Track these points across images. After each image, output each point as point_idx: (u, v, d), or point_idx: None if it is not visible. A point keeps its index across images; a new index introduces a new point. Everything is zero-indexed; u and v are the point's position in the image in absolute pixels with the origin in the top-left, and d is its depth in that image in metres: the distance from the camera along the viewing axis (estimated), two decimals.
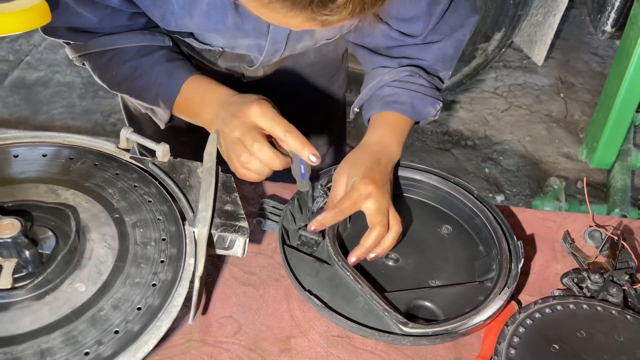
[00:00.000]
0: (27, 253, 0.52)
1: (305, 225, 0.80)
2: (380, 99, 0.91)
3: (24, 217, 0.54)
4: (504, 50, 2.55)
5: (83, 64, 0.89)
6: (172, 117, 0.87)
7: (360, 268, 0.78)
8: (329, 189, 0.84)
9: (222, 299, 0.76)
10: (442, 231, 0.87)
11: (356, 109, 0.97)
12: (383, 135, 0.88)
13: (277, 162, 0.72)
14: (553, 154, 2.66)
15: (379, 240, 0.76)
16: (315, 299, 0.71)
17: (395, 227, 0.77)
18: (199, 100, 0.80)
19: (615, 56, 2.28)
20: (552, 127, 2.82)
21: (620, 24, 2.35)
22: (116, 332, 0.51)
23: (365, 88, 0.94)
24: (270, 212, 0.82)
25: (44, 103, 2.75)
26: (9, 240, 0.51)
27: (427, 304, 0.75)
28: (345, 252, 0.78)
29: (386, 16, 0.85)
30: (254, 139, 0.70)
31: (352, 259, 0.75)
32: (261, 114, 0.72)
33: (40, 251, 0.53)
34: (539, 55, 2.58)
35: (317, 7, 0.51)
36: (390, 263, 0.81)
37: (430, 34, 0.89)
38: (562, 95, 3.05)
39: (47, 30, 0.84)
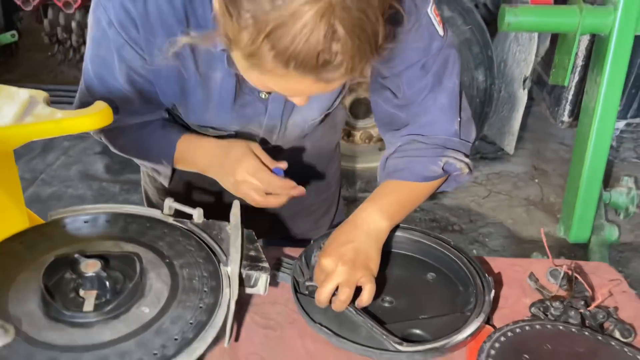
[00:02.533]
0: (106, 285, 0.68)
1: (311, 278, 0.97)
2: (383, 173, 1.05)
3: (102, 261, 0.71)
4: (476, 142, 2.85)
5: (100, 138, 1.09)
6: (173, 176, 1.09)
7: (361, 308, 0.93)
8: None
9: (246, 340, 0.90)
10: (428, 277, 1.03)
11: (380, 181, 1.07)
12: (372, 206, 0.98)
13: (278, 184, 0.95)
14: (535, 233, 2.85)
15: (346, 300, 0.88)
16: (326, 329, 0.86)
17: (368, 285, 0.89)
18: (192, 155, 1.03)
19: (575, 140, 2.55)
20: (530, 209, 3.04)
21: (575, 114, 2.66)
22: (175, 339, 0.66)
23: (378, 168, 1.08)
24: (283, 267, 0.99)
25: None
26: (93, 275, 0.68)
27: (418, 331, 0.89)
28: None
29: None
30: (251, 187, 0.94)
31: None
32: (251, 174, 0.94)
33: (114, 285, 0.70)
34: (509, 145, 2.87)
35: (322, 67, 0.67)
36: (386, 304, 0.96)
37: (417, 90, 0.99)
38: (536, 180, 3.31)
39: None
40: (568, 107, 2.70)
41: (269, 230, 1.25)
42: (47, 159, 3.39)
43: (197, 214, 0.86)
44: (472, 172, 1.06)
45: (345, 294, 0.88)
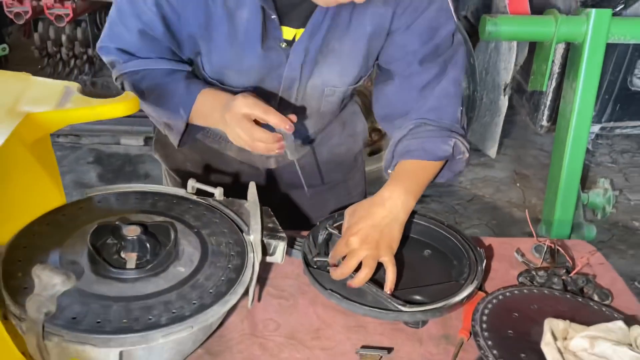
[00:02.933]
0: (146, 247, 0.76)
1: (319, 254, 1.06)
2: (396, 155, 1.10)
3: (142, 227, 0.80)
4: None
5: (122, 85, 1.11)
6: (184, 134, 1.11)
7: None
8: (335, 229, 1.10)
9: (263, 308, 0.98)
10: (425, 254, 1.13)
11: (389, 171, 1.12)
12: (393, 185, 1.04)
13: (266, 136, 0.97)
14: (518, 233, 2.97)
15: (365, 279, 0.96)
16: (336, 294, 0.95)
17: (390, 267, 0.97)
18: (210, 107, 1.04)
19: (553, 144, 2.69)
20: (513, 211, 3.17)
21: (553, 118, 2.81)
22: (210, 292, 0.74)
23: (385, 153, 1.14)
24: (295, 245, 1.08)
25: None
26: (135, 238, 0.76)
27: (418, 297, 0.99)
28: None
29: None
30: (242, 127, 0.96)
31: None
32: (244, 104, 0.97)
33: (153, 247, 0.79)
34: (491, 150, 3.00)
35: None
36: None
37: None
38: (518, 185, 3.45)
39: (102, 49, 1.11)
40: (546, 112, 2.85)
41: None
42: None
43: (218, 192, 0.95)
44: (469, 158, 1.15)
45: (365, 273, 0.95)
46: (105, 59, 1.13)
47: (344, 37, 1.06)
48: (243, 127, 0.98)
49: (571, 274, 1.04)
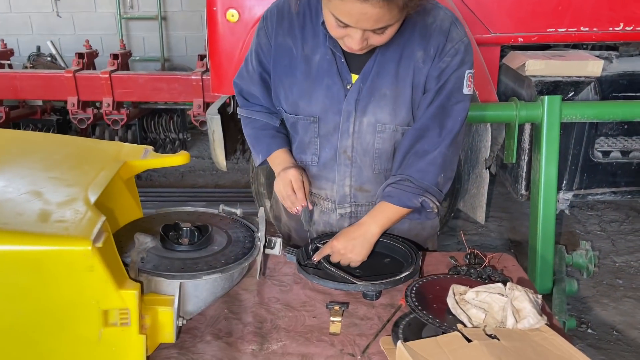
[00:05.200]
0: (195, 234, 1.27)
1: (308, 259, 1.54)
2: (383, 194, 1.50)
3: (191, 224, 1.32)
4: (452, 214, 3.45)
5: (232, 118, 1.73)
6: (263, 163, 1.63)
7: (339, 269, 1.48)
8: (321, 244, 1.59)
9: (268, 291, 1.45)
10: (385, 261, 1.59)
11: (378, 200, 1.54)
12: (370, 218, 1.50)
13: (292, 199, 1.50)
14: None
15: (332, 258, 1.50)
16: (316, 277, 1.42)
17: (354, 259, 1.49)
18: (277, 162, 1.55)
19: (530, 210, 3.13)
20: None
21: (530, 187, 3.27)
22: (232, 257, 1.24)
23: (380, 189, 1.53)
24: (290, 251, 1.56)
25: None
26: (187, 228, 1.28)
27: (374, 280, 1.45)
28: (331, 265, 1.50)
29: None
30: (284, 185, 1.49)
31: (314, 258, 1.50)
32: (294, 175, 1.48)
33: (199, 235, 1.30)
34: (480, 216, 3.45)
35: None
36: (357, 273, 1.52)
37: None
38: (512, 250, 3.84)
39: (235, 84, 1.64)
40: (524, 183, 3.31)
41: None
42: None
43: (239, 211, 1.47)
44: (439, 213, 1.58)
45: (331, 255, 1.50)
46: (235, 93, 1.67)
47: (393, 85, 1.43)
48: (284, 184, 1.50)
49: (482, 267, 1.49)
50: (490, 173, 3.41)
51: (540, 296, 1.27)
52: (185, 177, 5.30)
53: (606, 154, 3.25)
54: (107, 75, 4.45)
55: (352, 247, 1.48)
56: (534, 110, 2.90)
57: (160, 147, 5.54)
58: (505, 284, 1.29)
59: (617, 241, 3.98)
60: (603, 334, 2.93)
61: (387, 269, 1.54)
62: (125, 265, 1.12)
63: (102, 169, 1.30)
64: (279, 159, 1.58)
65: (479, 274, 1.48)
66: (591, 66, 2.99)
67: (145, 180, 5.25)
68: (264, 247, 1.36)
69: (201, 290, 1.20)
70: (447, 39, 1.43)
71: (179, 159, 1.46)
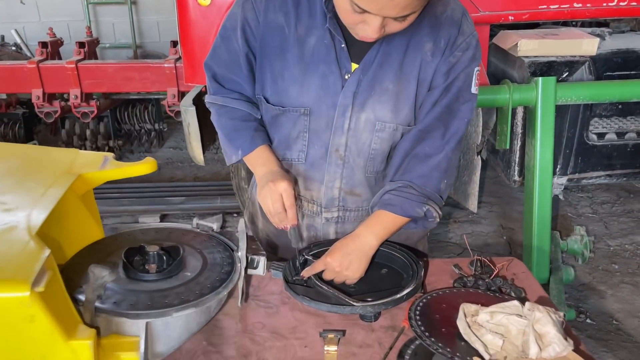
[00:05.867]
0: (163, 259, 1.09)
1: (297, 273, 1.36)
2: (381, 202, 1.34)
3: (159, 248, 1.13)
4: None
5: (210, 107, 1.40)
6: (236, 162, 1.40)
7: (331, 287, 1.31)
8: (312, 256, 1.41)
9: (253, 315, 1.28)
10: (382, 272, 1.43)
11: (374, 208, 1.37)
12: (367, 228, 1.33)
13: (280, 216, 1.30)
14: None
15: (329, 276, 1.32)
16: (307, 298, 1.25)
17: (351, 276, 1.32)
18: (260, 162, 1.34)
19: (524, 196, 3.00)
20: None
21: (523, 173, 3.14)
22: (208, 286, 1.05)
23: (377, 195, 1.37)
24: (276, 266, 1.39)
25: None
26: (155, 252, 1.09)
27: (372, 299, 1.28)
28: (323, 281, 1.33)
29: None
30: (274, 199, 1.28)
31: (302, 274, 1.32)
32: (285, 188, 1.27)
33: (168, 260, 1.11)
34: (472, 204, 3.31)
35: None
36: (351, 289, 1.35)
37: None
38: (504, 237, 3.72)
39: (206, 65, 1.38)
40: (517, 169, 3.17)
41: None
42: None
43: (216, 226, 1.28)
44: (439, 220, 1.38)
45: (329, 278, 1.33)
46: (206, 77, 1.41)
47: (396, 78, 1.28)
48: (274, 199, 1.28)
49: (491, 277, 1.33)
50: (481, 158, 3.27)
51: (562, 314, 1.12)
52: (162, 169, 5.07)
53: (601, 136, 3.12)
54: (73, 65, 4.18)
55: (348, 263, 1.32)
56: (528, 93, 2.75)
57: (136, 139, 5.30)
58: (522, 302, 1.14)
59: (609, 224, 3.88)
60: (602, 324, 2.83)
61: (384, 282, 1.37)
62: (79, 304, 0.94)
63: (52, 185, 1.11)
64: (262, 158, 1.37)
65: (487, 286, 1.33)
66: (586, 45, 2.84)
67: None
68: (246, 268, 1.18)
69: (173, 328, 1.03)
70: (459, 31, 1.27)
71: (143, 167, 1.27)
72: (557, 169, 3.16)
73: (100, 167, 1.26)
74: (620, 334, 2.75)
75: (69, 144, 4.99)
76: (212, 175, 4.82)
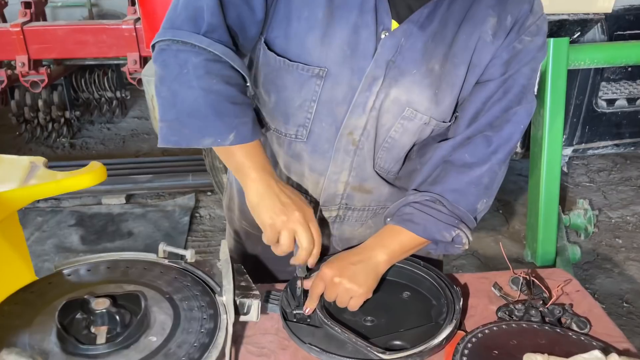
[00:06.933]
0: (116, 319, 0.76)
1: (297, 306, 1.05)
2: (399, 214, 1.05)
3: (111, 299, 0.79)
4: None
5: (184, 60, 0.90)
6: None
7: (345, 328, 1.02)
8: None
9: None
10: (404, 296, 1.13)
11: (388, 220, 1.08)
12: (377, 243, 1.04)
13: (285, 249, 0.96)
14: (504, 261, 2.97)
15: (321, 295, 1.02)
16: (316, 348, 0.94)
17: (355, 291, 1.00)
18: (255, 164, 0.93)
19: (529, 169, 2.74)
20: (498, 238, 3.19)
21: (526, 144, 2.87)
22: (188, 354, 0.74)
23: (394, 204, 1.08)
24: (272, 298, 1.07)
25: None
26: (104, 311, 0.76)
27: (399, 342, 0.98)
28: (332, 317, 1.03)
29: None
30: (305, 238, 0.95)
31: (306, 309, 1.01)
32: (309, 218, 0.95)
33: (123, 319, 0.78)
34: None
35: None
36: (368, 324, 1.05)
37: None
38: (501, 211, 3.48)
39: (169, 20, 0.92)
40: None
41: None
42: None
43: (190, 254, 0.95)
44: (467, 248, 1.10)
45: (330, 297, 1.01)
46: (166, 35, 0.92)
47: (444, 57, 0.98)
48: (305, 234, 0.94)
49: (547, 305, 1.05)
50: None
51: None
52: (127, 142, 4.65)
53: (611, 102, 2.85)
54: (19, 29, 3.68)
55: (351, 274, 1.01)
56: None
57: (96, 108, 4.84)
58: (603, 351, 0.86)
59: (608, 193, 3.68)
60: (612, 307, 2.63)
61: (410, 312, 1.08)
62: None
63: None
64: (258, 157, 0.97)
65: (542, 316, 1.04)
66: (602, 0, 2.52)
67: (80, 150, 4.58)
68: (235, 320, 0.86)
69: None
70: (531, 9, 0.98)
71: (87, 178, 0.92)
72: (563, 139, 2.90)
73: (26, 179, 0.90)
74: (633, 318, 2.56)
75: (19, 115, 4.51)
76: (182, 150, 4.43)
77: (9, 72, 3.95)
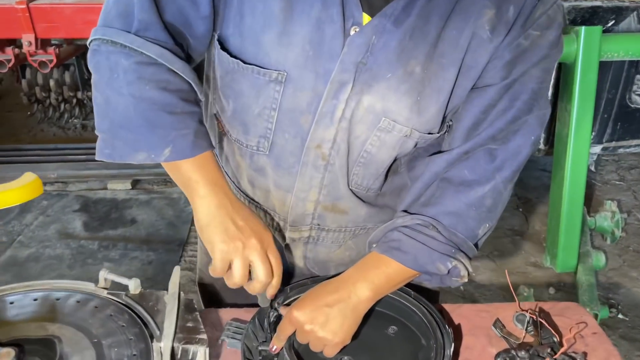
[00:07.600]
0: None
1: (264, 341, 0.91)
2: (386, 240, 0.90)
3: (18, 349, 0.66)
4: None
5: (91, 68, 0.80)
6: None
7: None
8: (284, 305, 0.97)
9: None
10: (389, 332, 0.98)
11: (373, 246, 0.94)
12: (359, 275, 0.89)
13: (241, 282, 0.82)
14: (522, 265, 2.80)
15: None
16: None
17: (330, 340, 0.86)
18: (205, 179, 0.80)
19: (552, 168, 2.54)
20: (516, 239, 3.00)
21: (550, 141, 2.66)
22: None
23: (380, 227, 0.93)
24: (234, 332, 0.94)
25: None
26: None
27: None
28: (299, 358, 0.89)
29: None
30: (260, 268, 0.81)
31: (273, 347, 0.88)
32: (256, 252, 0.81)
33: None
34: None
35: None
36: None
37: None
38: (521, 210, 3.28)
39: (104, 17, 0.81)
40: (543, 135, 2.69)
41: None
42: (25, 219, 3.33)
43: (133, 285, 0.82)
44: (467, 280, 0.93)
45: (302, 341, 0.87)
46: (101, 33, 0.78)
47: (428, 57, 0.82)
48: (261, 264, 0.81)
49: (556, 356, 0.89)
50: None
51: None
52: (87, 129, 4.58)
53: None
54: (24, 6, 3.56)
55: (324, 319, 0.86)
56: (567, 46, 2.21)
57: None
58: None
59: (639, 193, 3.44)
60: (637, 320, 2.44)
61: (394, 352, 0.93)
62: None
63: None
64: (208, 171, 0.82)
65: None
66: None
67: (92, 132, 4.51)
68: None
69: None
70: None
71: (18, 193, 0.78)
72: (592, 137, 2.68)
73: None
74: None
75: (31, 95, 4.45)
76: None
77: (17, 50, 3.86)
